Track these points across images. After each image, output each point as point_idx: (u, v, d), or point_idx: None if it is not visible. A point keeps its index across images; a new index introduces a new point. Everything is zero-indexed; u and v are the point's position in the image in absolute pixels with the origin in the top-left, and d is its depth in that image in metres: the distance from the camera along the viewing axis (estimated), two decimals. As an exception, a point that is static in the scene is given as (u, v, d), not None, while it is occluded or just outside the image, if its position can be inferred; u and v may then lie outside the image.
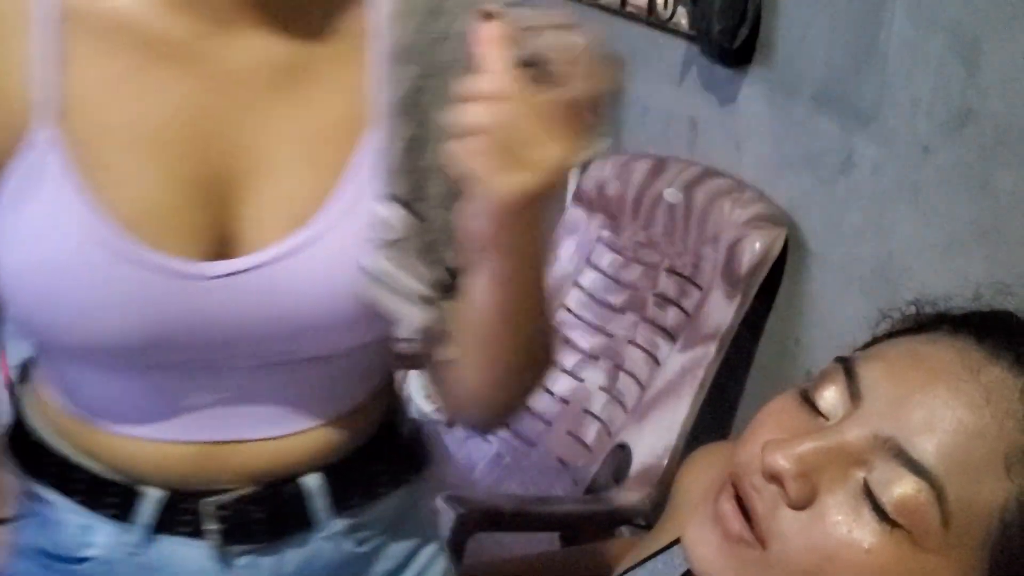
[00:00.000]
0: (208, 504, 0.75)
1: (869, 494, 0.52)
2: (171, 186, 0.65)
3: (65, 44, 0.63)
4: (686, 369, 1.68)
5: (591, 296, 1.91)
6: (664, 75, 1.98)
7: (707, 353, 1.65)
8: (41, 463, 0.77)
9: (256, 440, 0.75)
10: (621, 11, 2.13)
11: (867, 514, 0.52)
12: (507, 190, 0.60)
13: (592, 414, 1.83)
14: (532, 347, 0.75)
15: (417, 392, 2.52)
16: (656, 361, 1.76)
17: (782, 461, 0.53)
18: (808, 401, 0.57)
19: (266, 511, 0.77)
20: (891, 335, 0.61)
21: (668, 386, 1.69)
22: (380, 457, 0.82)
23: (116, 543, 0.76)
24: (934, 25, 1.30)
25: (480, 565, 1.12)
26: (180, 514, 0.75)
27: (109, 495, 0.75)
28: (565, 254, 1.97)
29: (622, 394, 1.80)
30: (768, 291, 1.68)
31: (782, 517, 0.54)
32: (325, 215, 0.68)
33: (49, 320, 0.68)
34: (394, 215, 0.68)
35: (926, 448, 0.52)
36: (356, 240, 0.68)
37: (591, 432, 1.82)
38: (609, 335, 1.86)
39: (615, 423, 1.79)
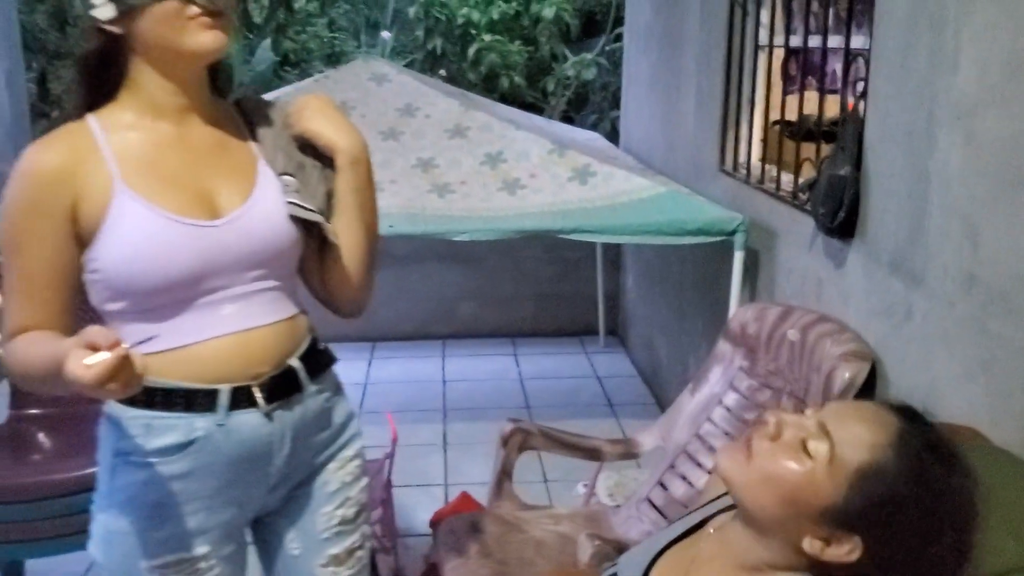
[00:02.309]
0: (255, 386, 1.40)
1: (804, 444, 1.07)
2: (183, 194, 1.36)
3: (117, 157, 1.34)
4: (792, 470, 2.12)
5: (731, 412, 2.40)
6: (802, 244, 2.51)
7: (808, 458, 2.09)
8: (153, 397, 1.36)
9: (262, 326, 1.41)
10: (776, 194, 2.70)
11: (801, 451, 1.07)
12: (343, 141, 1.47)
13: (724, 504, 2.29)
14: (373, 236, 1.53)
15: (602, 491, 3.08)
16: (774, 464, 2.20)
17: (771, 419, 1.11)
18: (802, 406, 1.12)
19: (282, 383, 1.43)
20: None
21: (778, 483, 2.14)
22: (315, 352, 1.51)
23: (210, 424, 1.38)
24: (954, 213, 1.77)
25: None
26: (241, 396, 1.39)
27: (200, 399, 1.37)
28: (713, 378, 2.49)
29: (748, 490, 2.25)
30: (862, 413, 2.11)
31: (762, 444, 1.10)
32: (255, 191, 1.42)
33: (145, 276, 1.32)
34: (289, 180, 1.44)
35: (836, 431, 1.06)
36: (275, 195, 1.43)
37: (722, 518, 2.28)
38: (743, 443, 2.33)
39: (739, 512, 2.23)
